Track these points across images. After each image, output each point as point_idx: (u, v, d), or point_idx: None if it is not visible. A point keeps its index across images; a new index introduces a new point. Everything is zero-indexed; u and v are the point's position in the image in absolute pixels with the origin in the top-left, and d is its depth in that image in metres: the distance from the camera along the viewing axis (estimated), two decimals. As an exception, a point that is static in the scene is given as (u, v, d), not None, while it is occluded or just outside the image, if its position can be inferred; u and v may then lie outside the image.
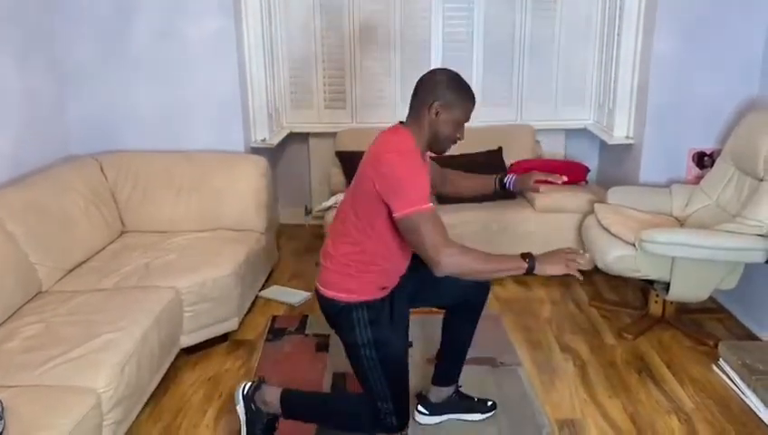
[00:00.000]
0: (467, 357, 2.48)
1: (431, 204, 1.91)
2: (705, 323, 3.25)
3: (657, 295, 3.17)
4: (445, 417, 2.49)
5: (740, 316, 3.27)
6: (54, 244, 2.87)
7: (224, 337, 3.07)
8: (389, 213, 1.96)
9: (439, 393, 2.48)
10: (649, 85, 3.57)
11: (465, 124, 2.08)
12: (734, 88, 3.45)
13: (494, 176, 2.42)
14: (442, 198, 3.09)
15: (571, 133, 4.48)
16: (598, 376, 2.80)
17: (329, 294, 2.11)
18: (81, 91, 3.65)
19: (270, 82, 4.06)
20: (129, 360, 2.24)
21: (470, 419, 2.49)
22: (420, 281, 2.19)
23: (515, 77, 4.33)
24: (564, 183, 2.32)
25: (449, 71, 2.07)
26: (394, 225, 1.98)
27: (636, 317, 3.28)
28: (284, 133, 4.30)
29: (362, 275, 2.08)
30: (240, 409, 2.30)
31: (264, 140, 4.02)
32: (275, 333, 3.19)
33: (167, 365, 2.68)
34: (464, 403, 2.51)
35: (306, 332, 3.20)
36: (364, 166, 2.05)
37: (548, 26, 4.22)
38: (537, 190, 2.35)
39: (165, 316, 2.59)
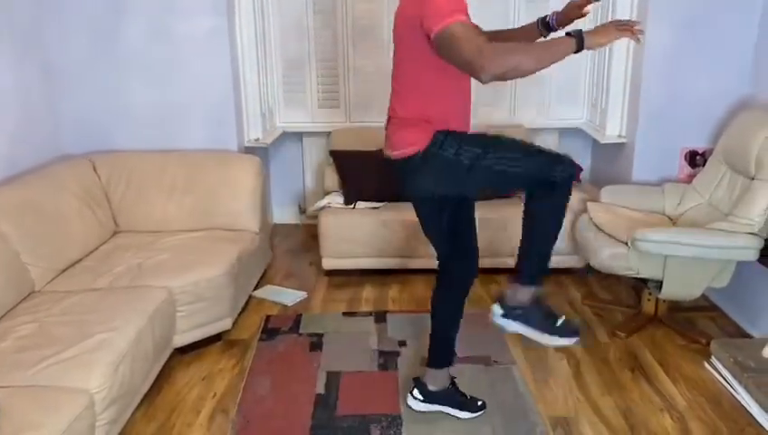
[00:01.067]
0: (461, 355, 2.48)
1: (463, 16, 1.86)
2: (698, 322, 3.26)
3: (650, 294, 3.18)
4: (436, 407, 2.48)
5: (732, 314, 3.29)
6: (47, 244, 2.86)
7: (217, 337, 3.06)
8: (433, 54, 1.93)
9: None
10: (642, 84, 3.59)
11: None
12: (726, 87, 3.47)
13: (536, 22, 2.30)
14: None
15: (564, 132, 4.49)
16: (591, 374, 2.81)
17: (408, 151, 2.06)
18: (74, 90, 3.63)
19: (263, 82, 4.06)
20: (122, 360, 2.24)
21: (459, 416, 2.48)
22: None
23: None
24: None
25: None
26: (445, 69, 1.95)
27: (629, 316, 3.29)
28: (278, 133, 4.30)
29: (432, 121, 2.04)
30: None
31: (257, 140, 4.02)
32: (269, 332, 3.19)
33: (160, 365, 2.67)
34: (457, 397, 2.50)
35: (300, 331, 3.20)
36: (401, 11, 2.05)
37: (541, 26, 4.23)
38: (585, 14, 2.23)
39: (158, 316, 2.58)
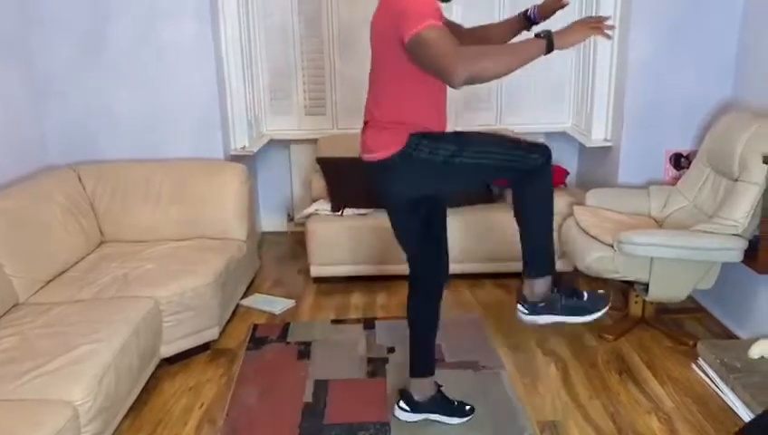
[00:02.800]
0: (449, 361, 2.48)
1: (434, 21, 1.85)
2: (685, 323, 3.28)
3: (637, 296, 3.19)
4: (424, 416, 2.48)
5: (718, 315, 3.31)
6: (31, 255, 2.84)
7: (205, 346, 3.05)
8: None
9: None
10: (626, 88, 3.61)
11: None
12: (709, 90, 3.50)
13: (518, 14, 2.29)
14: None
15: (550, 136, 4.50)
16: (579, 378, 2.82)
17: (383, 154, 2.07)
18: (58, 99, 3.62)
19: (249, 89, 4.05)
20: (107, 371, 2.22)
21: (449, 422, 2.48)
22: None
23: (494, 81, 4.34)
24: None
25: None
26: (422, 75, 1.96)
27: (616, 318, 3.30)
28: (265, 140, 4.29)
29: (406, 123, 2.05)
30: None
31: (243, 148, 4.01)
32: (257, 341, 3.17)
33: (146, 376, 2.66)
34: (444, 404, 2.50)
35: (288, 340, 3.18)
36: (375, 21, 2.07)
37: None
38: (565, 5, 2.20)
39: (144, 326, 2.57)
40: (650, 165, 3.66)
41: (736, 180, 2.90)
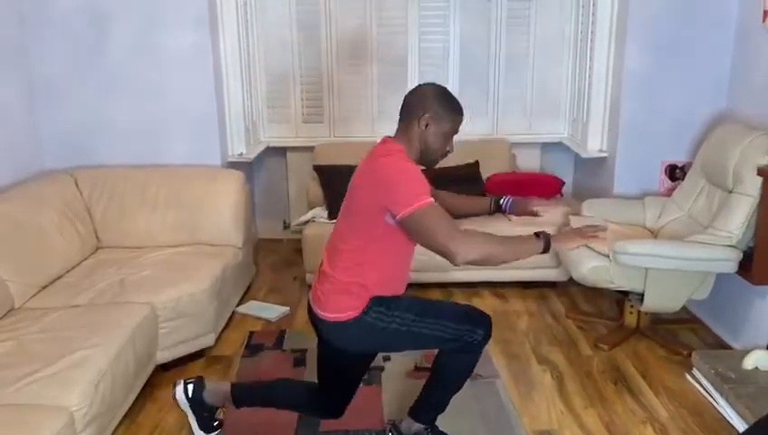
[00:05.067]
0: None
1: (431, 198, 1.87)
2: (679, 333, 3.29)
3: (632, 306, 3.21)
4: None
5: (713, 326, 3.33)
6: (27, 260, 2.83)
7: (200, 353, 3.04)
8: (387, 226, 1.93)
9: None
10: (621, 99, 3.64)
11: (454, 137, 2.10)
12: (704, 102, 3.53)
13: (490, 198, 2.36)
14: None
15: (546, 147, 4.53)
16: (574, 387, 2.82)
17: (343, 317, 2.03)
18: (55, 105, 3.62)
19: (247, 97, 4.07)
20: (103, 377, 2.21)
21: None
22: None
23: (491, 91, 4.38)
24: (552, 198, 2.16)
25: (437, 85, 2.08)
26: (392, 238, 1.97)
27: (611, 328, 3.31)
28: (262, 147, 4.30)
29: (363, 293, 2.03)
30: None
31: (241, 155, 4.02)
32: (252, 348, 3.17)
33: (142, 382, 2.65)
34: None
35: (284, 347, 3.18)
36: (357, 181, 2.04)
37: (522, 41, 4.28)
38: (537, 214, 2.27)
39: (140, 332, 2.56)
40: (645, 176, 3.69)
41: (731, 192, 2.93)
